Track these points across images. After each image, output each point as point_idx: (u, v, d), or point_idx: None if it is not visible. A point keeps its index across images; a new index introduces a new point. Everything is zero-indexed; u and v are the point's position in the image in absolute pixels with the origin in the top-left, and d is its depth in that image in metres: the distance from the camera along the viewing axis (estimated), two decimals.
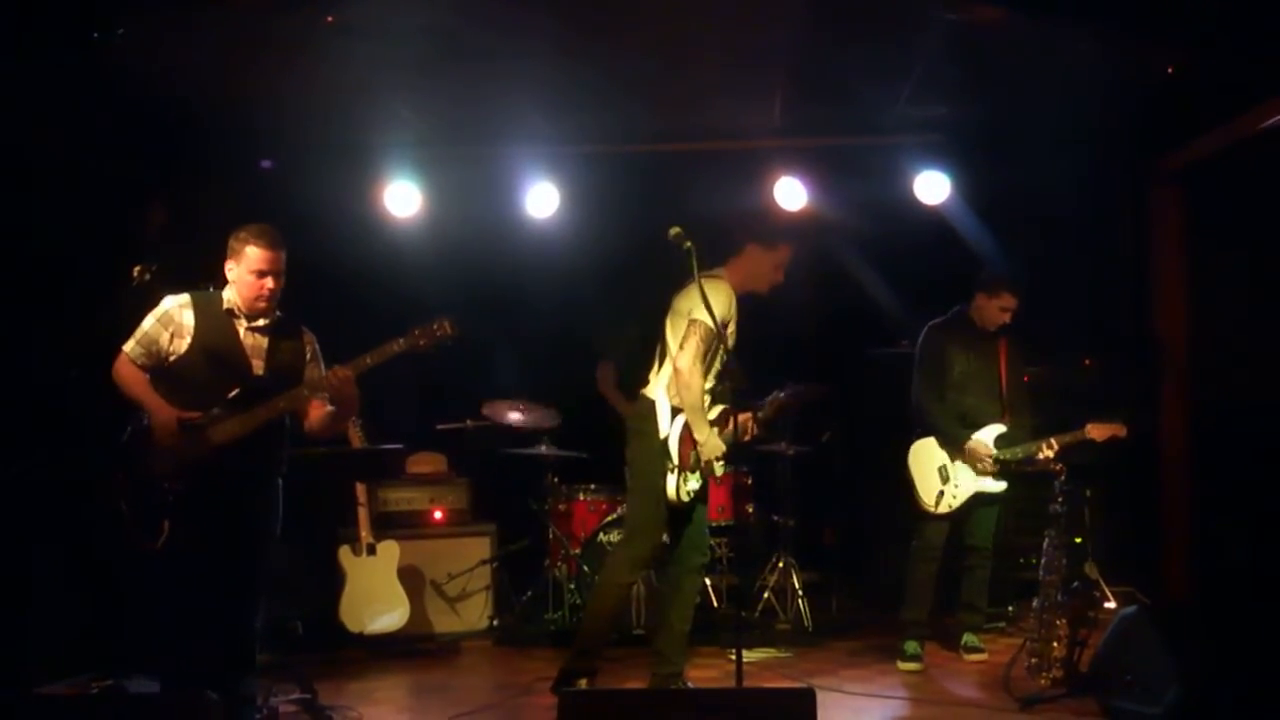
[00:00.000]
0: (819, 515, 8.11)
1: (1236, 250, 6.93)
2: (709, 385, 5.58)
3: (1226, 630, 5.01)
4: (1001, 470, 6.37)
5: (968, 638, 6.54)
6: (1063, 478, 5.89)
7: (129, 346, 4.91)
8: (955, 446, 6.42)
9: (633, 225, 5.47)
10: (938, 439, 6.48)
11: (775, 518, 7.52)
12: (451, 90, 6.81)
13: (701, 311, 5.34)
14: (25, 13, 5.41)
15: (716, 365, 5.58)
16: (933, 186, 7.82)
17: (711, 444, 5.50)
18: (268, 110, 6.92)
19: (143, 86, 6.31)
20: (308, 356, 5.09)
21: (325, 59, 6.15)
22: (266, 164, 7.81)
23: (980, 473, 6.38)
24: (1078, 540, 7.36)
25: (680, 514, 5.64)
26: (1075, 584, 5.84)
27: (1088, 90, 6.76)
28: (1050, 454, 6.21)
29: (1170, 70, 6.46)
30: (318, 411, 5.04)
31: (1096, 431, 6.20)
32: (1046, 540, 5.88)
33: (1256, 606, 5.36)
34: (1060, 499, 5.86)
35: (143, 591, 5.05)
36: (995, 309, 6.46)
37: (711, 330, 5.39)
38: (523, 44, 6.18)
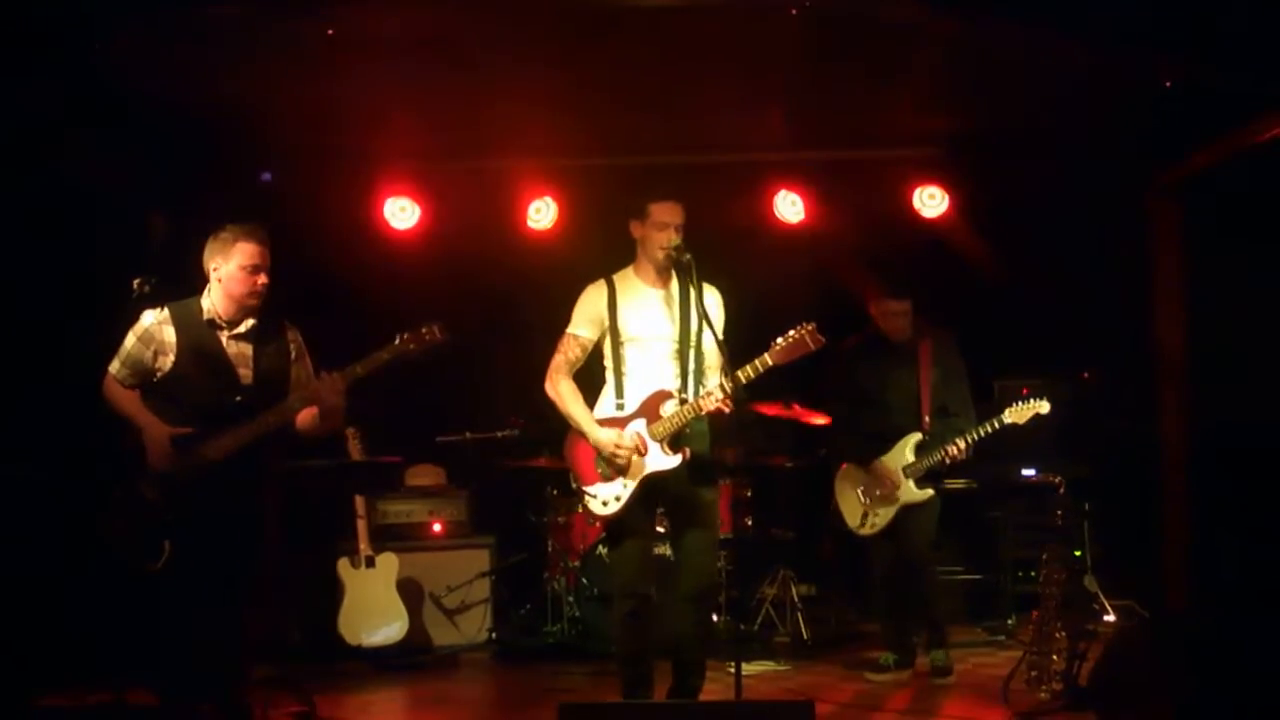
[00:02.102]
0: (817, 528, 8.11)
1: (1236, 262, 6.93)
2: (635, 383, 5.25)
3: (1226, 643, 5.00)
4: (926, 479, 6.28)
5: (935, 656, 6.37)
6: (1061, 491, 5.87)
7: (114, 367, 4.88)
8: (865, 468, 6.39)
9: (632, 238, 5.43)
10: (853, 463, 6.48)
11: (774, 530, 7.52)
12: (451, 103, 6.83)
13: (573, 323, 5.32)
14: (24, 24, 5.42)
15: (624, 366, 5.27)
16: (932, 199, 7.83)
17: (597, 439, 5.13)
18: (268, 122, 6.92)
19: (143, 99, 6.32)
20: (293, 355, 5.05)
21: (326, 71, 6.17)
22: (266, 176, 7.81)
23: (889, 499, 6.31)
24: (1077, 553, 7.38)
25: (680, 531, 5.32)
26: (1075, 597, 5.83)
27: (1086, 104, 6.78)
28: (958, 451, 6.14)
29: (1167, 84, 6.47)
30: (305, 414, 5.01)
31: (1014, 415, 6.13)
32: (1045, 553, 5.86)
33: (1256, 619, 5.34)
34: (1059, 512, 5.84)
35: (139, 604, 5.04)
36: (885, 318, 6.40)
37: (575, 339, 5.28)
38: (522, 56, 6.20)
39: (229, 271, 4.83)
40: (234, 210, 5.09)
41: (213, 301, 4.88)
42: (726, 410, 4.91)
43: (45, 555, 6.11)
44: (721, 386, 4.90)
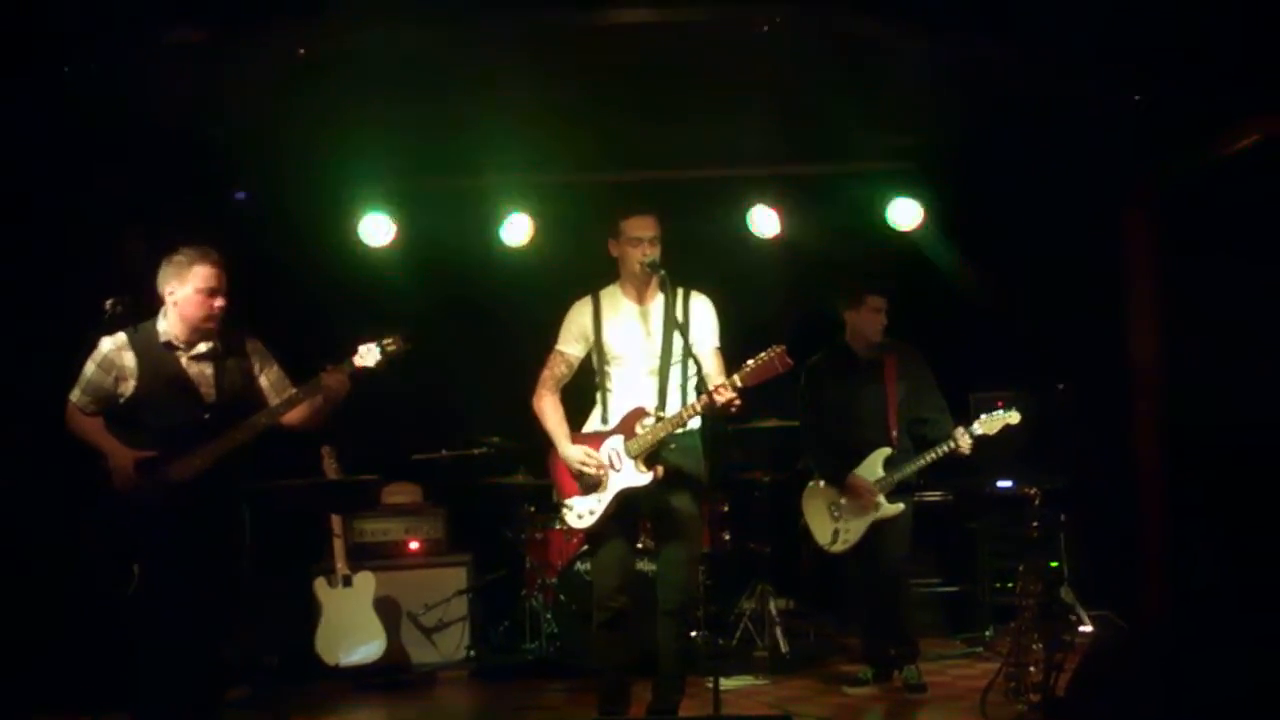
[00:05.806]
0: (795, 542, 8.12)
1: (1209, 273, 6.97)
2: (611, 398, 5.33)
3: (1203, 652, 5.02)
4: (897, 492, 6.26)
5: (908, 673, 6.34)
6: (1037, 503, 5.88)
7: (75, 395, 4.84)
8: (839, 486, 6.34)
9: (607, 254, 5.44)
10: (824, 481, 6.46)
11: (751, 545, 7.52)
12: (425, 120, 6.83)
13: (560, 339, 5.35)
14: None
15: (609, 382, 5.32)
16: (906, 213, 7.87)
17: (565, 453, 5.20)
18: (242, 141, 6.91)
19: (116, 119, 6.30)
20: (256, 368, 5.02)
21: (299, 91, 6.17)
22: (241, 195, 7.79)
23: (865, 510, 6.27)
24: (1053, 564, 7.38)
25: (661, 546, 5.34)
26: (1051, 608, 5.83)
27: (1059, 116, 6.81)
28: (966, 445, 6.12)
29: (1136, 97, 6.51)
30: (299, 411, 4.98)
31: (985, 426, 6.13)
32: (1022, 565, 5.87)
33: (1233, 628, 5.37)
34: (1035, 524, 5.85)
35: (114, 628, 5.00)
36: (868, 315, 6.35)
37: (562, 355, 5.32)
38: (496, 73, 6.21)
39: (185, 295, 4.78)
40: (204, 230, 5.08)
41: (169, 325, 4.84)
42: (733, 402, 4.87)
43: (19, 580, 6.07)
44: (717, 388, 4.86)
